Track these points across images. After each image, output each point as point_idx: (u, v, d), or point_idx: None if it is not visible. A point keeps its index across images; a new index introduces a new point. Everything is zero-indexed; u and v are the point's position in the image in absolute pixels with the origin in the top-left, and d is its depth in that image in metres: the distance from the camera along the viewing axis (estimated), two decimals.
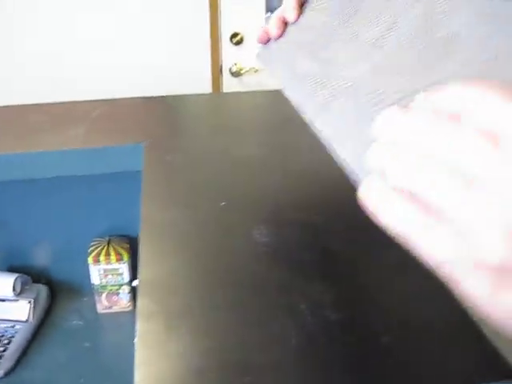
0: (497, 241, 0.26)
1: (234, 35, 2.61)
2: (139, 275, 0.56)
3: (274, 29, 0.74)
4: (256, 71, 2.69)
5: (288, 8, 0.75)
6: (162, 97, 1.25)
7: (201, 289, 0.54)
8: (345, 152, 0.42)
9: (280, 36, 0.75)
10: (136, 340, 0.47)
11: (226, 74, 2.69)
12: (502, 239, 0.26)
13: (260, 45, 0.79)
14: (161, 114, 1.13)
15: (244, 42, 2.64)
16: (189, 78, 2.64)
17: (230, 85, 2.70)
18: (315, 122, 0.51)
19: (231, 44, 2.63)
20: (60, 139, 0.97)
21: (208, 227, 0.65)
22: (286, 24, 0.76)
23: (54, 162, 0.96)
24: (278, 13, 0.77)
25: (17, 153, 0.95)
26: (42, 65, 2.53)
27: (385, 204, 0.29)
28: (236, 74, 2.68)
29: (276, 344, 0.48)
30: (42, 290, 1.21)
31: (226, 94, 2.49)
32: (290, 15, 0.74)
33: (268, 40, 0.77)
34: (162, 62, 2.63)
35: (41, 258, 1.25)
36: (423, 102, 0.31)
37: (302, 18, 0.73)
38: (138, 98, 1.22)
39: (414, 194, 0.28)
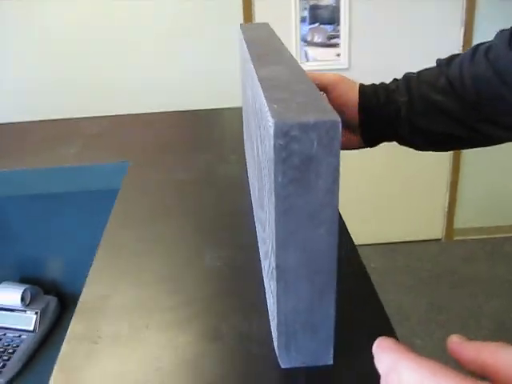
0: None
1: None
2: (82, 294, 0.57)
3: None
4: None
5: None
6: (182, 112, 1.25)
7: (146, 310, 0.55)
8: None
9: None
10: None
11: None
12: None
13: None
14: (168, 130, 1.14)
15: None
16: (220, 100, 2.66)
17: None
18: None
19: None
20: (59, 156, 0.99)
21: (160, 247, 0.66)
22: None
23: (60, 178, 0.99)
24: None
25: (26, 168, 0.98)
26: (80, 77, 2.61)
27: None
28: None
29: None
30: (51, 301, 1.24)
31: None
32: None
33: None
34: (196, 75, 2.66)
35: (52, 269, 1.28)
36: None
37: None
38: (156, 112, 1.23)
39: None
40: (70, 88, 2.62)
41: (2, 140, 1.17)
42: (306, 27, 2.72)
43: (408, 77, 0.82)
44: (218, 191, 0.79)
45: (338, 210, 0.40)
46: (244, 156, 0.89)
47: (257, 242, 0.64)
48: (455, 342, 0.38)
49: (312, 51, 2.73)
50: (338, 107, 0.81)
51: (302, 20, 2.70)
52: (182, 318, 0.53)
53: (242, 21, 2.56)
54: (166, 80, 2.66)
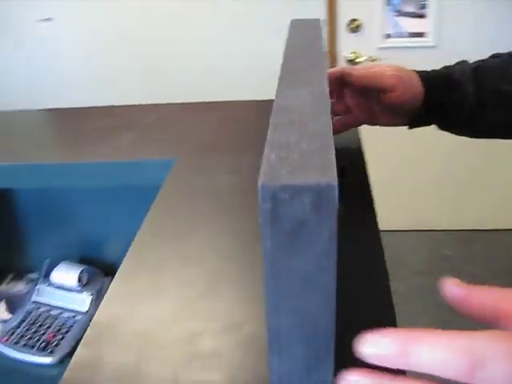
0: None
1: (351, 21, 2.52)
2: (96, 314, 0.57)
3: None
4: (374, 60, 2.58)
5: None
6: (237, 101, 1.20)
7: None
8: None
9: None
10: None
11: (341, 62, 2.61)
12: None
13: None
14: (221, 122, 1.10)
15: (362, 28, 2.54)
16: None
17: None
18: None
19: (348, 31, 2.54)
20: (113, 148, 0.99)
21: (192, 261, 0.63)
22: None
23: (112, 172, 0.98)
24: None
25: (79, 162, 0.98)
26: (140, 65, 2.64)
27: None
28: (352, 63, 2.59)
29: None
30: (107, 283, 1.26)
31: None
32: None
33: None
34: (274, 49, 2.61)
35: (111, 252, 1.30)
36: None
37: None
38: (212, 102, 1.19)
39: None
40: (134, 74, 2.65)
41: (64, 126, 1.19)
42: None
43: (474, 67, 0.80)
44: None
45: (336, 272, 0.36)
46: None
47: None
48: (454, 289, 0.36)
49: (403, 22, 2.58)
50: (400, 104, 0.79)
51: None
52: (189, 355, 0.50)
53: None
54: (228, 65, 2.63)
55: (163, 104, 1.17)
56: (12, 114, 1.32)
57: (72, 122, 1.20)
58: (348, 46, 2.59)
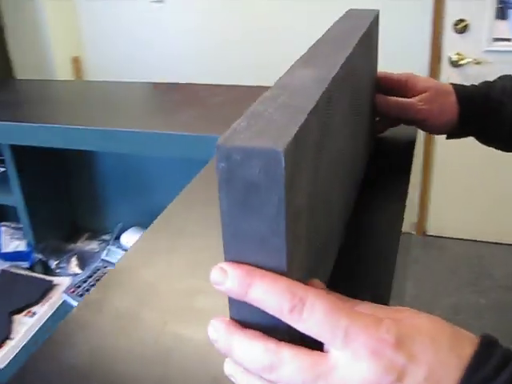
0: None
1: (458, 22, 2.44)
2: (116, 264, 0.62)
3: None
4: (478, 63, 2.48)
5: None
6: None
7: None
8: None
9: None
10: None
11: (444, 63, 2.53)
12: None
13: None
14: None
15: (469, 29, 2.45)
16: (404, 65, 2.55)
17: (447, 75, 2.54)
18: None
19: (453, 31, 2.46)
20: (176, 121, 1.05)
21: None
22: None
23: (171, 144, 1.04)
24: None
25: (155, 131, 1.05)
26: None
27: None
28: (455, 64, 2.51)
29: None
30: None
31: None
32: None
33: None
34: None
35: None
36: None
37: None
38: None
39: None
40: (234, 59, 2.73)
41: (147, 98, 1.27)
42: None
43: None
44: None
45: (288, 238, 0.38)
46: None
47: None
48: None
49: None
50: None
51: None
52: (183, 309, 0.54)
53: None
54: None
55: (234, 85, 1.22)
56: (104, 85, 1.42)
57: (153, 94, 1.28)
58: (453, 47, 2.51)
